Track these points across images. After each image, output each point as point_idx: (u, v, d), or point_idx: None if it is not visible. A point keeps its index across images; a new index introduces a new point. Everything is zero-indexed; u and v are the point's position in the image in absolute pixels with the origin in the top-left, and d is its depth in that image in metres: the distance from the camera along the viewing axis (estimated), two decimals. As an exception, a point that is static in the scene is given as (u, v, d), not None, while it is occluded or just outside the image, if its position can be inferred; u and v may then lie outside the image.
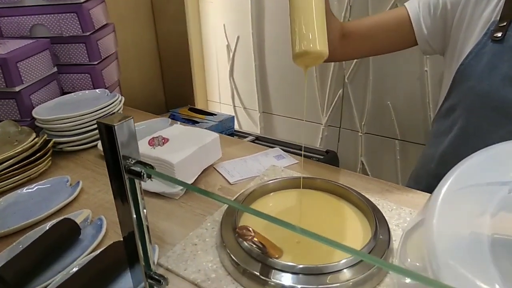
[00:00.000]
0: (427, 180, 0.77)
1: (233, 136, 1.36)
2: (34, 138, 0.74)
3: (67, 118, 0.80)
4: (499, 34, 0.64)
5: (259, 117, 1.49)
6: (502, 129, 0.64)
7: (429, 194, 0.67)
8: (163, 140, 0.75)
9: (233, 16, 1.38)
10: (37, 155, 0.74)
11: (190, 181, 0.70)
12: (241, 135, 1.36)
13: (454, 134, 0.70)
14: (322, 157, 1.21)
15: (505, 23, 0.64)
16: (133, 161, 0.39)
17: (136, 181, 0.40)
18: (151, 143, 0.74)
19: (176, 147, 0.72)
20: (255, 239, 0.45)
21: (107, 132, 0.37)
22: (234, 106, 1.55)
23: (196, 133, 0.77)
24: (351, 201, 0.60)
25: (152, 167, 0.39)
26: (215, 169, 0.76)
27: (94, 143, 0.85)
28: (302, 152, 0.61)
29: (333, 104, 1.31)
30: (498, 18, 0.65)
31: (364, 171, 1.34)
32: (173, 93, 1.50)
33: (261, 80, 1.42)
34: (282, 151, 0.82)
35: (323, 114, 1.34)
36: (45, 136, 0.77)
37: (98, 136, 0.85)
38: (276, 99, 1.43)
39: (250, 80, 1.45)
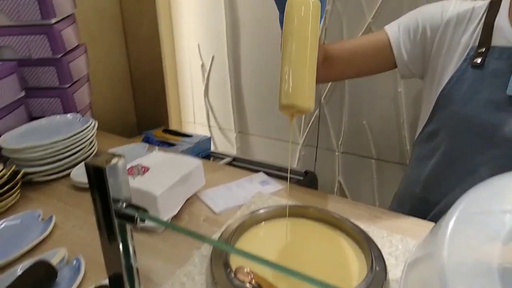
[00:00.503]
0: (411, 203, 0.77)
1: (209, 158, 1.33)
2: (2, 170, 0.69)
3: (38, 147, 0.75)
4: (479, 60, 0.66)
5: (235, 137, 1.47)
6: (486, 153, 0.65)
7: (416, 219, 0.67)
8: (143, 169, 0.71)
9: (208, 36, 1.37)
10: (5, 188, 0.68)
11: (173, 212, 0.67)
12: (218, 156, 1.33)
13: (437, 158, 0.71)
14: (301, 178, 1.20)
15: (483, 49, 0.66)
16: (125, 204, 0.36)
17: (128, 224, 0.37)
18: (130, 172, 0.71)
19: (158, 176, 0.68)
20: (253, 281, 0.43)
21: (96, 174, 0.34)
22: (210, 126, 1.52)
23: (177, 161, 0.74)
24: (344, 231, 0.59)
25: (145, 210, 0.36)
26: (198, 197, 0.73)
27: (67, 171, 0.80)
28: (288, 179, 0.59)
29: (310, 124, 1.31)
30: (476, 44, 0.67)
31: (341, 190, 1.35)
32: (146, 114, 1.45)
33: (237, 99, 1.41)
34: (267, 176, 0.80)
35: (300, 134, 1.34)
36: (13, 167, 0.71)
37: (70, 164, 0.80)
38: (253, 119, 1.42)
39: (225, 100, 1.43)
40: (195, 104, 1.52)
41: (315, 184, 1.22)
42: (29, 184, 0.77)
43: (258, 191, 0.74)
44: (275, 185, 0.77)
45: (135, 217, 0.35)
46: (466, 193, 0.41)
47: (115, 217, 0.36)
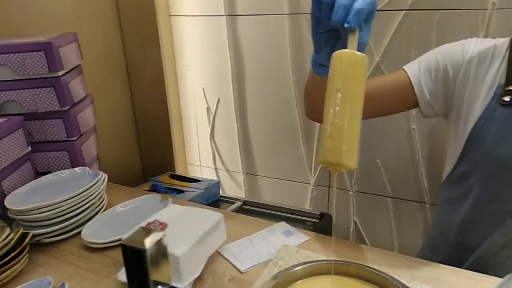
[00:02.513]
0: (446, 250, 0.73)
1: (218, 203, 1.28)
2: (9, 234, 0.64)
3: (47, 206, 0.70)
4: (507, 98, 0.64)
5: (243, 179, 1.43)
6: (524, 194, 0.61)
7: (460, 269, 0.62)
8: (161, 226, 0.66)
9: (213, 79, 1.36)
10: (12, 254, 0.63)
11: (196, 273, 0.62)
12: (227, 201, 1.28)
13: (472, 200, 0.67)
14: (317, 220, 1.15)
15: (511, 87, 0.64)
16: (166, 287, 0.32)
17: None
18: (147, 230, 0.66)
19: (177, 234, 0.64)
20: None
21: (135, 257, 0.30)
22: (216, 168, 1.48)
23: (196, 215, 0.70)
24: (388, 289, 0.54)
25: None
26: (219, 254, 0.68)
27: (77, 230, 0.75)
28: (333, 234, 0.55)
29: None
30: (503, 82, 0.65)
31: (357, 231, 1.30)
32: (151, 160, 1.42)
33: (244, 141, 1.38)
34: (290, 226, 0.76)
35: (311, 174, 1.30)
36: (21, 230, 0.66)
37: (80, 222, 0.76)
38: (260, 160, 1.39)
39: (232, 142, 1.40)
40: (200, 147, 1.49)
41: (331, 226, 1.17)
42: (36, 246, 0.72)
43: (283, 244, 0.69)
44: (300, 236, 0.73)
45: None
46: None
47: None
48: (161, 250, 0.31)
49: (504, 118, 0.63)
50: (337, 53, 0.48)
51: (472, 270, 0.62)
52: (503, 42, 0.69)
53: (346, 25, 0.47)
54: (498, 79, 0.66)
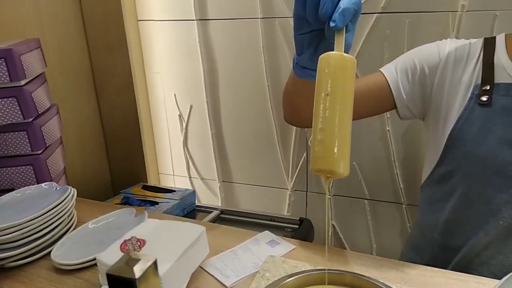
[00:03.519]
0: (431, 251, 0.73)
1: (194, 213, 1.24)
2: (-32, 261, 0.58)
3: (11, 227, 0.64)
4: (485, 98, 0.65)
5: (219, 187, 1.40)
6: (508, 192, 0.62)
7: (450, 272, 0.61)
8: (139, 243, 0.62)
9: (184, 85, 1.32)
10: (-27, 283, 0.57)
11: (180, 292, 0.58)
12: (204, 210, 1.25)
13: (455, 201, 0.67)
14: (296, 226, 1.13)
15: (488, 87, 0.65)
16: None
17: None
18: (124, 249, 0.62)
19: (157, 251, 0.60)
20: None
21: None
22: (190, 177, 1.44)
23: (176, 228, 0.66)
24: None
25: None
26: (203, 269, 0.65)
27: (45, 251, 0.69)
28: (326, 242, 0.53)
29: (298, 168, 1.26)
30: (479, 82, 0.66)
31: (335, 234, 1.29)
32: (121, 171, 1.36)
33: (218, 148, 1.35)
34: (274, 235, 0.73)
35: (289, 179, 1.29)
36: (-18, 255, 0.61)
37: (49, 242, 0.70)
38: (236, 167, 1.36)
39: (206, 149, 1.37)
40: (173, 155, 1.44)
41: (312, 232, 1.16)
42: (1, 271, 0.66)
43: (269, 255, 0.67)
44: (285, 245, 0.70)
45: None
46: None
47: None
48: (153, 277, 0.28)
49: (483, 118, 0.64)
50: (324, 56, 0.46)
51: (457, 271, 0.61)
52: (476, 41, 0.70)
53: (332, 24, 0.46)
54: (474, 79, 0.67)
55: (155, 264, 0.28)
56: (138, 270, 0.26)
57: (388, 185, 1.18)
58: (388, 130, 1.12)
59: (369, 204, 1.22)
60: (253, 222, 1.17)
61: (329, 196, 1.25)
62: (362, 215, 1.24)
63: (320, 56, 0.47)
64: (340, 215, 1.27)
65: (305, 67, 0.58)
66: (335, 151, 0.44)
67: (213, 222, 1.15)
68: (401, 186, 1.15)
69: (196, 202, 1.28)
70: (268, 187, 1.33)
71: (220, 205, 1.40)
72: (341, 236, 1.29)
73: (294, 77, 0.63)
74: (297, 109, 0.72)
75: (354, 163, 1.19)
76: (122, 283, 0.25)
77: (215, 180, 1.39)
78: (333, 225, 1.29)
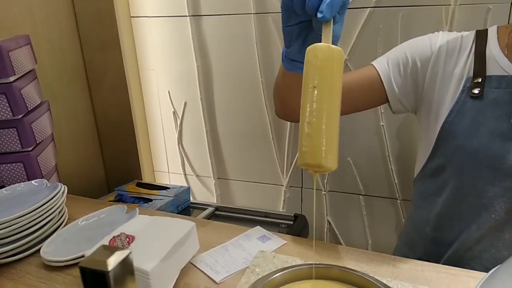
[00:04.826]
0: (424, 246, 0.72)
1: (189, 210, 1.24)
2: (-45, 258, 0.57)
3: (0, 224, 0.64)
4: (477, 91, 0.64)
5: (214, 184, 1.39)
6: (499, 185, 0.62)
7: (440, 266, 0.60)
8: (128, 239, 0.62)
9: (178, 82, 1.31)
10: (-40, 280, 0.57)
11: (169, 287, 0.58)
12: (199, 207, 1.24)
13: (447, 194, 0.67)
14: (291, 222, 1.13)
15: (479, 80, 0.64)
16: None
17: None
18: (113, 244, 0.61)
19: (146, 246, 0.60)
20: None
21: (97, 281, 0.26)
22: (185, 174, 1.43)
23: (166, 225, 0.66)
24: (370, 291, 0.52)
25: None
26: (193, 265, 0.65)
27: (35, 248, 0.69)
28: (314, 235, 0.52)
29: (293, 164, 1.26)
30: (471, 75, 0.66)
31: (331, 230, 1.29)
32: (116, 168, 1.35)
33: (213, 145, 1.34)
34: (265, 231, 0.73)
35: (283, 175, 1.28)
36: (-30, 252, 0.60)
37: (39, 239, 0.70)
38: (231, 164, 1.35)
39: (201, 146, 1.36)
40: (168, 152, 1.43)
41: (307, 227, 1.15)
42: (-10, 269, 0.66)
43: (259, 250, 0.67)
44: (276, 240, 0.70)
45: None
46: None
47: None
48: (127, 270, 0.27)
49: (474, 111, 0.64)
50: (311, 47, 0.46)
51: (449, 265, 0.61)
52: (468, 34, 0.70)
53: (319, 15, 0.45)
54: (466, 72, 0.66)
55: (129, 257, 0.27)
56: (111, 263, 0.26)
57: (383, 180, 1.17)
58: (383, 125, 1.12)
59: (364, 200, 1.22)
60: (248, 219, 1.17)
61: (323, 191, 1.25)
62: (357, 211, 1.24)
63: (307, 48, 0.46)
64: (335, 210, 1.27)
65: (294, 60, 0.57)
66: (323, 145, 0.44)
67: (208, 219, 1.15)
68: (396, 181, 1.15)
69: (192, 199, 1.28)
70: (263, 184, 1.33)
71: (215, 202, 1.40)
72: (337, 232, 1.28)
73: (284, 70, 0.62)
74: (287, 103, 0.71)
75: (348, 158, 1.19)
76: (94, 276, 0.25)
77: (210, 177, 1.39)
78: (328, 221, 1.28)
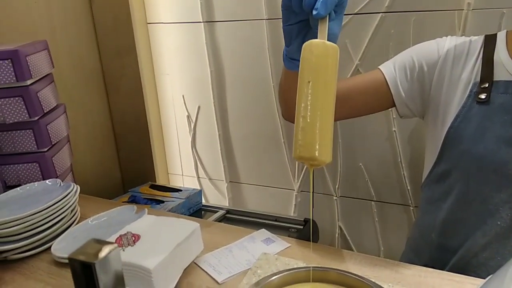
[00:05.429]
0: (429, 252, 0.71)
1: (201, 212, 1.26)
2: (-29, 252, 0.60)
3: (15, 220, 0.67)
4: (483, 96, 0.63)
5: (226, 187, 1.41)
6: (505, 192, 0.61)
7: (445, 273, 0.59)
8: (134, 238, 0.64)
9: (192, 86, 1.34)
10: (-25, 273, 0.60)
11: (171, 286, 0.59)
12: (210, 210, 1.26)
13: (453, 200, 0.66)
14: (301, 227, 1.13)
15: (487, 85, 0.64)
16: (121, 304, 0.30)
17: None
18: (119, 242, 0.63)
19: (151, 245, 0.61)
20: None
21: (83, 272, 0.27)
22: (198, 177, 1.45)
23: (171, 225, 0.67)
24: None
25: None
26: (196, 265, 0.66)
27: (47, 245, 0.71)
28: (311, 237, 0.53)
29: (304, 169, 1.26)
30: (478, 80, 0.65)
31: (343, 236, 1.28)
32: (131, 170, 1.38)
33: (226, 148, 1.36)
34: (270, 234, 0.73)
35: (295, 180, 1.29)
36: (-15, 247, 0.63)
37: (51, 237, 0.72)
38: (243, 167, 1.37)
39: (214, 150, 1.38)
40: (182, 155, 1.46)
41: (317, 232, 1.15)
42: (3, 263, 0.69)
43: (263, 252, 0.67)
44: (280, 243, 0.70)
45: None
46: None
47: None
48: (114, 263, 0.28)
49: (481, 116, 0.63)
50: (307, 44, 0.47)
51: (455, 272, 0.60)
52: (477, 39, 0.69)
53: (314, 12, 0.47)
54: (473, 77, 0.66)
55: (116, 250, 0.28)
56: (98, 255, 0.27)
57: (395, 186, 1.16)
58: (395, 131, 1.11)
59: (376, 206, 1.20)
60: (258, 222, 1.17)
61: (334, 196, 1.24)
62: (369, 217, 1.22)
63: (304, 44, 0.47)
64: (347, 216, 1.26)
65: (294, 59, 0.58)
66: (317, 138, 0.45)
67: (220, 222, 1.16)
68: (408, 187, 1.14)
69: (204, 202, 1.29)
70: (275, 188, 1.33)
71: (227, 205, 1.41)
72: (348, 238, 1.27)
73: (285, 70, 0.63)
74: (290, 104, 0.72)
75: (360, 164, 1.18)
76: (81, 267, 0.26)
77: (223, 180, 1.40)
78: (339, 227, 1.27)
